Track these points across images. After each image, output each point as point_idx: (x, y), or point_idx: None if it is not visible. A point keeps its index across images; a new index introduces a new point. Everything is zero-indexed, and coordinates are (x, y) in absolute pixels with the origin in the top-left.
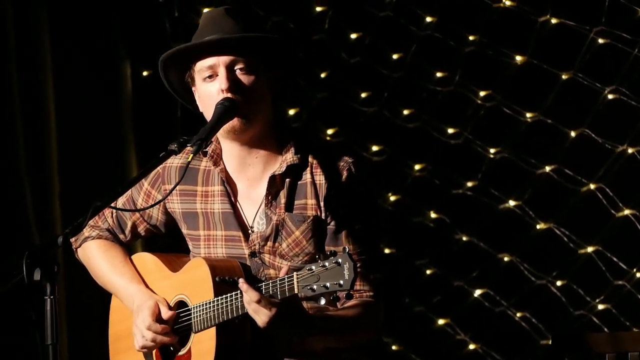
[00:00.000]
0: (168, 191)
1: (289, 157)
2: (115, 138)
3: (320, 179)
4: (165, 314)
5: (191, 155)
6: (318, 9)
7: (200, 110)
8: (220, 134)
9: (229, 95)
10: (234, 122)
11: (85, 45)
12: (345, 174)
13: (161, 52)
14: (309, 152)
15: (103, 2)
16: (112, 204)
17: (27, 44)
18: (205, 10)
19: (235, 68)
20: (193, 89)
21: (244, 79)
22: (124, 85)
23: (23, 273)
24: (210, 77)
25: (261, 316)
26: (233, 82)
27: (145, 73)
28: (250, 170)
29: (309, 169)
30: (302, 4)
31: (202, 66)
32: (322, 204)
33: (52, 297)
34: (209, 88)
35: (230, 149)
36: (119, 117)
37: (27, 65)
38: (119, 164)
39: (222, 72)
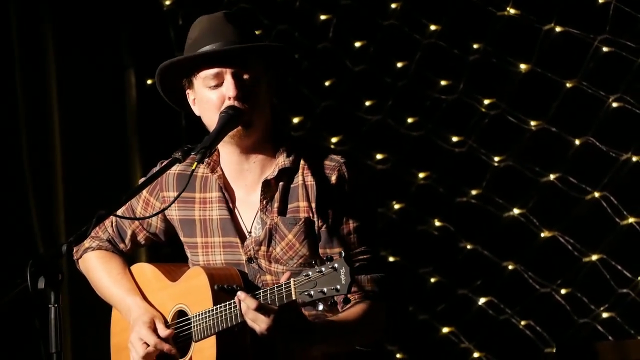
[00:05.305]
0: (170, 201)
1: (281, 160)
2: (120, 146)
3: (311, 180)
4: (163, 332)
5: (195, 163)
6: (322, 17)
7: (197, 114)
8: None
9: (235, 103)
10: (238, 129)
11: (90, 53)
12: (335, 174)
13: (166, 60)
14: (301, 155)
15: (108, 10)
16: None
17: (31, 52)
18: (201, 16)
19: (242, 76)
20: (188, 91)
21: (250, 87)
22: (129, 93)
23: (27, 281)
24: (214, 85)
25: (260, 324)
26: (241, 91)
27: (149, 81)
28: (247, 176)
29: (300, 171)
30: (306, 13)
31: (207, 74)
32: (313, 205)
33: (56, 305)
34: (212, 95)
35: (228, 155)
36: (123, 125)
37: (32, 73)
38: (123, 172)
39: (229, 80)
